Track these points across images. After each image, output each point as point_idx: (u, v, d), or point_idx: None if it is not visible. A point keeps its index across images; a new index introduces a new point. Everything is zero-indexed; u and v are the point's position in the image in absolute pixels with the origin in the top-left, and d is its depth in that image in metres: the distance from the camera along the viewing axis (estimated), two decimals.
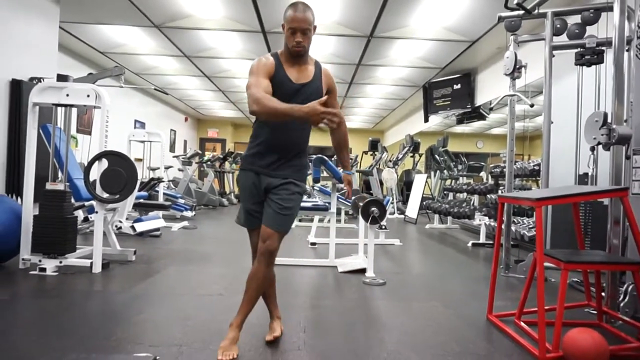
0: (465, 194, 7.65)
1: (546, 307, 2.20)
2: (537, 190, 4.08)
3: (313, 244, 5.17)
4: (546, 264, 2.43)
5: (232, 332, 2.01)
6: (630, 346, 2.15)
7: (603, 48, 3.44)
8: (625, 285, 2.65)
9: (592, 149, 2.87)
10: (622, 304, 2.61)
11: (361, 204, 3.79)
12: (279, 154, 2.05)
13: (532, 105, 4.03)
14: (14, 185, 4.33)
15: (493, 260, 2.67)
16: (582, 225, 3.68)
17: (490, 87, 7.42)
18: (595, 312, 2.59)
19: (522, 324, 2.44)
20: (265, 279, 2.06)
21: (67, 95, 3.48)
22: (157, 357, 1.90)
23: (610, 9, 2.83)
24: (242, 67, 8.31)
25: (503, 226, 4.01)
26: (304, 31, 1.98)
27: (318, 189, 6.60)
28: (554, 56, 3.71)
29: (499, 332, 2.42)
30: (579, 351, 1.91)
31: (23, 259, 3.44)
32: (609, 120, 2.65)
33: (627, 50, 2.94)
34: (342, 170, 2.33)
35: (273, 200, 2.03)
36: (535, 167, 4.81)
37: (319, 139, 13.71)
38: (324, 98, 1.86)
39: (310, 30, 2.01)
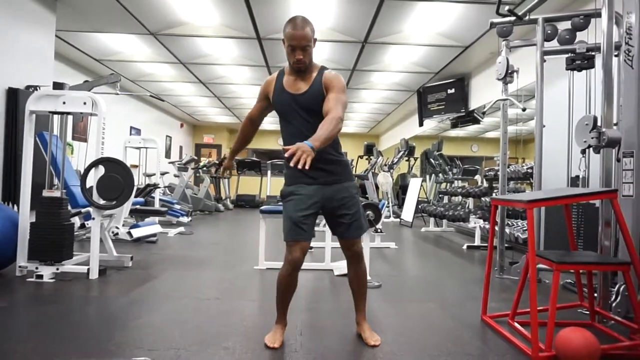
0: (460, 197, 7.70)
1: (539, 308, 2.23)
2: (529, 193, 4.13)
3: (310, 247, 5.18)
4: (540, 265, 2.47)
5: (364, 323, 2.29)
6: (621, 345, 2.19)
7: (593, 53, 3.50)
8: (617, 286, 2.69)
9: (583, 151, 2.92)
10: (614, 304, 2.65)
11: None
12: (314, 162, 1.78)
13: (524, 110, 4.09)
14: (11, 193, 4.35)
15: (487, 262, 2.71)
16: (575, 227, 3.73)
17: (484, 91, 7.49)
18: (587, 312, 2.63)
19: (516, 324, 2.47)
20: (365, 273, 2.33)
21: (64, 103, 3.50)
22: None
23: (599, 15, 2.89)
24: (237, 73, 8.36)
25: (497, 228, 4.05)
26: (304, 48, 2.03)
27: None
28: (545, 61, 3.77)
29: (493, 333, 2.45)
30: (571, 350, 1.95)
31: (20, 267, 3.44)
32: (599, 123, 2.70)
33: (617, 56, 3.00)
34: None
35: (341, 215, 2.15)
36: (528, 170, 4.87)
37: None
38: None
39: (310, 46, 2.05)
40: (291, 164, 1.69)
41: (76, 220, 4.14)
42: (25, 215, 3.48)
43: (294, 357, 2.05)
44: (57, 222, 3.42)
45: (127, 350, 2.06)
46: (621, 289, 2.64)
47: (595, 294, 2.68)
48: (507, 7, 3.73)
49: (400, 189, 11.21)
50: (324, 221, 5.60)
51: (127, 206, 4.21)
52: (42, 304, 2.88)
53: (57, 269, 3.41)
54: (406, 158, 10.30)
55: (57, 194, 3.50)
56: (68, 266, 3.49)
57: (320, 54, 6.95)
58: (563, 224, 2.78)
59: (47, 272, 3.35)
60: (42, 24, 5.02)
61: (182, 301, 2.94)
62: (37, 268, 3.38)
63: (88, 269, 3.46)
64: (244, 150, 15.70)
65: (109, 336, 2.24)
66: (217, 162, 11.15)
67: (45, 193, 3.49)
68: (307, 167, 1.68)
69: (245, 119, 2.45)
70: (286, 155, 1.71)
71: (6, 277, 3.45)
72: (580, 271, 2.72)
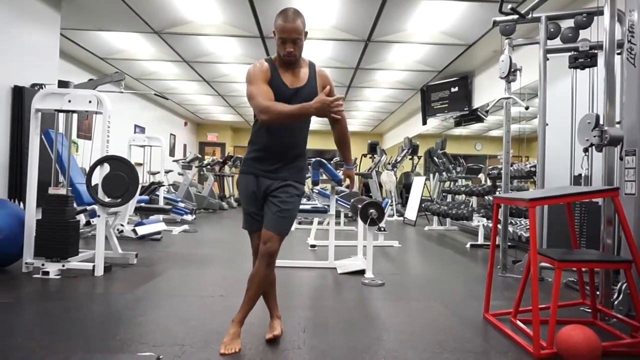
0: (463, 195, 7.70)
1: (541, 306, 2.25)
2: (531, 191, 4.13)
3: (313, 246, 5.21)
4: (543, 264, 2.48)
5: (233, 327, 2.09)
6: (622, 342, 2.20)
7: (596, 51, 3.50)
8: (620, 284, 2.70)
9: (586, 150, 2.92)
10: (616, 302, 2.66)
11: (360, 206, 3.84)
12: (278, 157, 2.10)
13: (527, 108, 4.09)
14: (17, 190, 4.38)
15: (489, 260, 2.72)
16: (578, 226, 3.74)
17: (487, 89, 7.49)
18: (589, 310, 2.64)
19: (518, 322, 2.48)
20: (266, 279, 2.12)
21: (69, 101, 3.54)
22: (160, 357, 1.94)
23: (602, 13, 2.89)
24: (241, 72, 8.37)
25: (499, 227, 4.06)
26: (294, 40, 2.02)
27: (317, 191, 6.65)
28: (548, 59, 3.77)
29: (495, 330, 2.46)
30: (572, 347, 1.96)
31: (26, 263, 3.49)
32: (601, 122, 2.71)
33: (619, 54, 3.00)
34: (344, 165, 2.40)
35: (273, 203, 2.07)
36: (531, 169, 4.87)
37: (317, 142, 13.78)
38: (328, 88, 1.96)
39: (300, 39, 2.04)
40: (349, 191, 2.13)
41: (81, 218, 4.18)
42: (31, 213, 3.52)
43: (297, 354, 2.07)
44: (62, 219, 3.46)
45: (132, 346, 2.09)
46: (623, 287, 2.64)
47: (597, 292, 2.69)
48: (510, 6, 3.73)
49: (404, 188, 11.22)
50: (327, 220, 5.62)
51: (132, 204, 4.25)
52: (48, 300, 2.91)
53: (63, 266, 3.45)
54: (410, 156, 10.30)
55: (62, 191, 3.53)
56: (74, 263, 3.52)
57: (324, 53, 6.97)
58: (566, 223, 2.78)
59: (53, 269, 3.39)
60: (47, 23, 5.05)
61: (187, 298, 2.97)
62: (43, 264, 3.41)
63: (93, 266, 3.49)
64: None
65: (114, 332, 2.27)
66: (220, 160, 11.19)
67: (51, 190, 3.52)
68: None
69: (267, 102, 1.97)
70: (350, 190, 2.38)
71: (13, 273, 3.49)
72: (583, 269, 2.72)
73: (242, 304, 2.12)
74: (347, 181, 2.44)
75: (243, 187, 2.16)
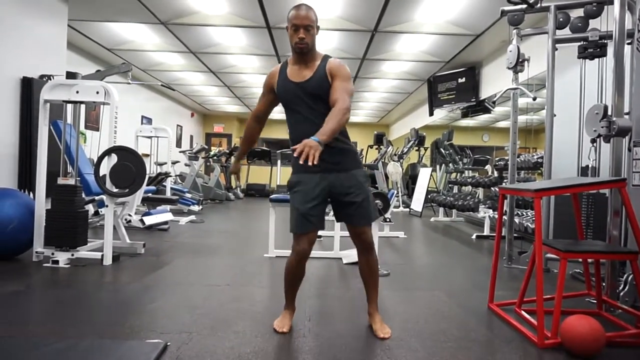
0: (470, 187, 7.68)
1: (546, 296, 2.26)
2: (537, 182, 4.12)
3: (318, 236, 5.23)
4: (549, 255, 2.48)
5: (375, 318, 2.26)
6: (627, 333, 2.20)
7: (606, 41, 3.46)
8: (626, 275, 2.70)
9: (593, 141, 2.91)
10: (622, 294, 2.66)
11: None
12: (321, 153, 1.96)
13: (534, 99, 4.06)
14: (26, 181, 4.43)
15: (494, 250, 2.72)
16: (585, 217, 3.72)
17: (495, 80, 7.42)
18: (595, 301, 2.64)
19: (523, 312, 2.49)
20: (376, 263, 2.27)
21: (77, 92, 3.56)
22: (168, 343, 1.97)
23: (612, 2, 2.85)
24: (247, 63, 8.37)
25: (505, 218, 4.05)
26: (306, 27, 2.05)
27: None
28: (557, 49, 3.73)
29: (500, 320, 2.47)
30: (576, 337, 1.97)
31: (36, 252, 3.54)
32: (609, 112, 2.69)
33: (629, 44, 2.97)
34: None
35: (347, 202, 2.11)
36: (538, 160, 4.85)
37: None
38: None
39: (312, 28, 2.07)
40: (300, 162, 1.70)
41: (90, 208, 4.23)
42: (41, 203, 3.56)
43: (302, 342, 2.09)
44: (71, 209, 3.50)
45: (140, 333, 2.12)
46: (629, 278, 2.64)
47: (603, 284, 2.68)
48: None
49: (410, 179, 11.19)
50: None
51: (140, 194, 4.29)
52: (58, 288, 2.96)
53: (72, 255, 3.50)
54: (416, 148, 10.26)
55: (71, 181, 3.57)
56: (83, 252, 3.57)
57: (330, 43, 6.94)
58: (572, 214, 2.78)
59: (62, 258, 3.44)
60: (54, 14, 5.07)
61: (194, 287, 3.01)
62: (52, 254, 3.46)
63: (102, 255, 3.54)
64: None
65: (123, 319, 2.31)
66: (227, 151, 11.22)
67: (60, 181, 3.56)
68: (316, 161, 1.72)
69: (250, 119, 2.37)
70: (295, 154, 1.75)
71: (23, 262, 3.54)
72: (589, 260, 2.72)
73: (370, 296, 2.27)
74: (299, 149, 1.76)
75: (298, 186, 2.12)
